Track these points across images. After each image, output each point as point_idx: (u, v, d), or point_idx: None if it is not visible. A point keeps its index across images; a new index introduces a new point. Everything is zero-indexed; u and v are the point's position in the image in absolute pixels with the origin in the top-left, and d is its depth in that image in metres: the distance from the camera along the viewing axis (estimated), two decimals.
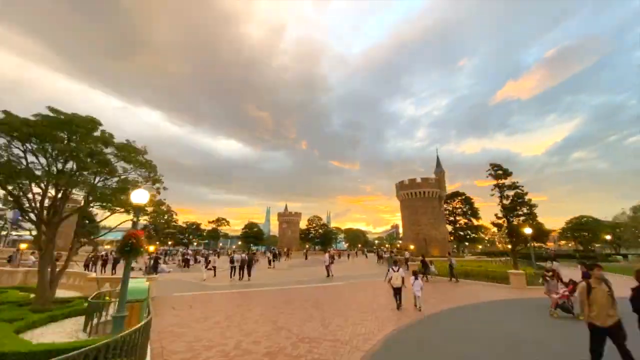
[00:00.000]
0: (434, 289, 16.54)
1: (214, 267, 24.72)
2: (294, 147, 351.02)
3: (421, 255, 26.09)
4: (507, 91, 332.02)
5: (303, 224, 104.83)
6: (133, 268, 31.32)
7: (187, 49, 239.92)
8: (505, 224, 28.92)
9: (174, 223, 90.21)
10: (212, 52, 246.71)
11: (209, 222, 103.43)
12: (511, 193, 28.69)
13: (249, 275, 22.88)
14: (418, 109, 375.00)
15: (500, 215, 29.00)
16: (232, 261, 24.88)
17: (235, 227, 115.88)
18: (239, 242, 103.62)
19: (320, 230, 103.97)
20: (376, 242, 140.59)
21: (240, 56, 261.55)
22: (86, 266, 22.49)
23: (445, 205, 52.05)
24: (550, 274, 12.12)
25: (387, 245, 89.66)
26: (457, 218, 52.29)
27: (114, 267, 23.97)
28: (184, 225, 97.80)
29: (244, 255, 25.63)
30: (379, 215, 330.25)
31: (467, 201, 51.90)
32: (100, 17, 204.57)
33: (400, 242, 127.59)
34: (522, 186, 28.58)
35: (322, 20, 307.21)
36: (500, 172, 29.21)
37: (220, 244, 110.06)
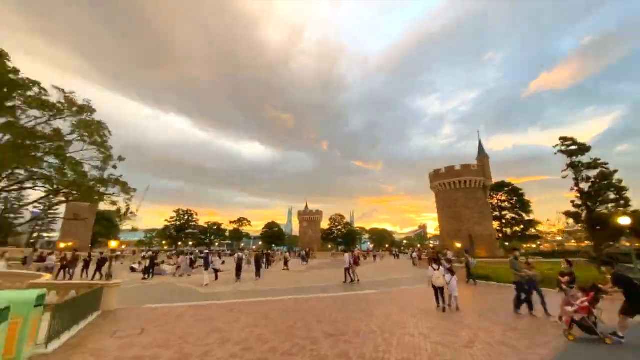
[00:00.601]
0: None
1: (216, 270, 20.51)
2: (315, 148, 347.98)
3: (464, 255, 20.23)
4: (540, 83, 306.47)
5: (325, 225, 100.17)
6: (134, 269, 28.11)
7: (210, 56, 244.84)
8: (583, 214, 22.24)
9: (193, 223, 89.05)
10: (233, 57, 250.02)
11: (231, 223, 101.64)
12: (592, 174, 21.96)
13: (258, 275, 20.62)
14: (443, 105, 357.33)
15: (578, 202, 22.33)
16: (238, 261, 20.91)
17: (258, 228, 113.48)
18: (260, 242, 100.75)
19: (343, 230, 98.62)
20: (404, 242, 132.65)
21: (260, 60, 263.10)
22: (62, 268, 18.99)
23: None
24: (566, 278, 9.03)
25: (418, 246, 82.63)
26: (504, 213, 44.92)
27: (97, 271, 20.42)
28: (206, 226, 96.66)
29: (240, 254, 21.72)
30: (405, 216, 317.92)
31: (515, 192, 44.35)
32: (130, 32, 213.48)
33: (431, 242, 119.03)
34: (607, 163, 21.77)
35: (339, 20, 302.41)
36: (574, 147, 22.55)
37: (242, 245, 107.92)
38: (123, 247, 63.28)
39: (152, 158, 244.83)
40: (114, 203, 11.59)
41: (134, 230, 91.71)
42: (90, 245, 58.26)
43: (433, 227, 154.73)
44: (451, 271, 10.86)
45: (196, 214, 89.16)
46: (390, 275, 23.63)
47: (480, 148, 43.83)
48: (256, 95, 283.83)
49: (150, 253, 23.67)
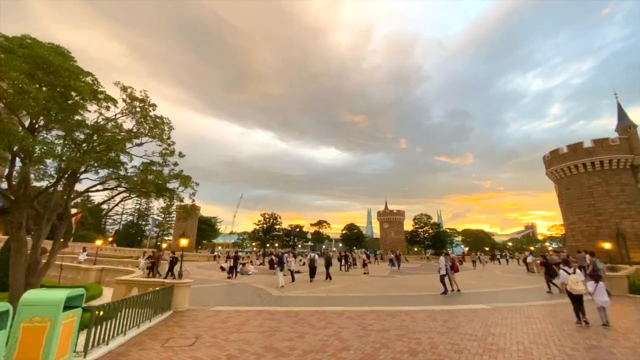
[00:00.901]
0: None
1: (292, 271, 19.46)
2: (392, 147, 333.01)
3: (590, 260, 13.76)
4: None
5: (408, 227, 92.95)
6: (224, 269, 29.87)
7: (284, 71, 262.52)
8: None
9: (278, 226, 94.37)
10: (305, 68, 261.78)
11: (311, 225, 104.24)
12: None
13: (329, 277, 19.74)
14: (547, 81, 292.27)
15: None
16: (310, 262, 19.60)
17: (338, 230, 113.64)
18: (340, 245, 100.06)
19: (430, 231, 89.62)
20: (509, 244, 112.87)
21: (330, 66, 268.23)
22: (151, 267, 20.96)
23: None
24: None
25: (531, 248, 68.25)
26: None
27: (169, 271, 21.83)
28: (289, 228, 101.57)
29: (312, 254, 20.18)
30: (504, 215, 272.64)
31: None
32: (218, 62, 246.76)
33: (548, 243, 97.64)
34: None
35: (410, 8, 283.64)
36: None
37: (324, 246, 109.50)
38: (219, 248, 71.27)
39: (244, 170, 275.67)
40: (181, 200, 11.03)
41: (232, 233, 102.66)
42: (195, 247, 67.02)
43: (544, 227, 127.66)
44: (595, 277, 8.60)
45: (279, 217, 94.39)
46: (500, 285, 18.50)
47: (621, 115, 32.02)
48: (328, 102, 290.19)
49: (233, 253, 24.39)
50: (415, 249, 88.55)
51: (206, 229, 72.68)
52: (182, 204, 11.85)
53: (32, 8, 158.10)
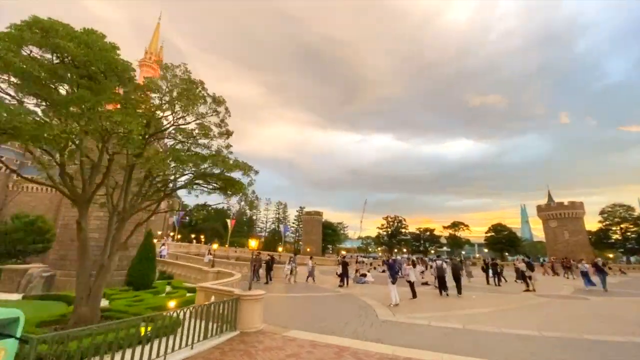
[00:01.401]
0: None
1: (411, 284, 14.71)
2: (546, 125, 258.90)
3: None
4: None
5: (591, 224, 66.68)
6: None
7: (396, 70, 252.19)
8: None
9: (404, 230, 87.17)
10: (418, 61, 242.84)
11: (445, 228, 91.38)
12: None
13: (443, 291, 15.24)
14: None
15: None
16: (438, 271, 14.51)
17: (480, 233, 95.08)
18: (485, 250, 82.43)
19: (633, 228, 61.28)
20: None
21: (447, 50, 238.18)
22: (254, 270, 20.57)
23: None
24: None
25: None
26: None
27: (267, 274, 20.66)
28: (417, 232, 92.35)
29: (439, 262, 14.50)
30: None
31: None
32: (331, 78, 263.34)
33: None
34: None
35: None
36: None
37: (463, 252, 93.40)
38: (343, 252, 71.42)
39: (366, 176, 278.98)
40: (245, 194, 9.04)
41: (360, 238, 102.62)
42: (322, 251, 69.46)
43: None
44: None
45: (404, 220, 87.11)
46: None
47: None
48: (451, 89, 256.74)
49: (342, 258, 21.62)
50: (611, 256, 62.08)
51: (330, 234, 74.60)
52: (250, 195, 9.94)
53: (195, 69, 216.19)
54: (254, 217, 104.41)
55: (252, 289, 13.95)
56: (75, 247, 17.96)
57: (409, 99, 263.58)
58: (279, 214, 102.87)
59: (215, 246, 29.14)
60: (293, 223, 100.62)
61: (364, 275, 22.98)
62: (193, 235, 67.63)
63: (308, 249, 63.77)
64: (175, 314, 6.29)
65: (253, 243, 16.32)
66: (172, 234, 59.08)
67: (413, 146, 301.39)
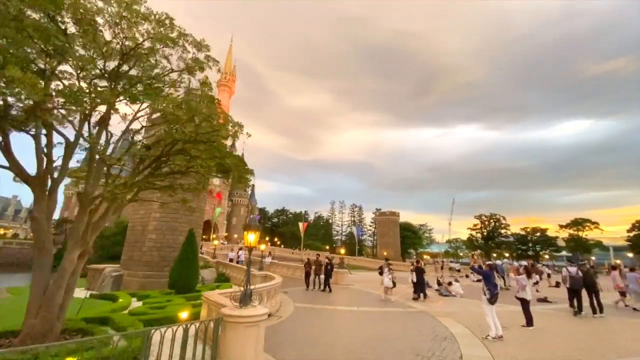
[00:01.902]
0: None
1: (523, 302, 9.51)
2: None
3: None
4: None
5: None
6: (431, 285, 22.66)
7: (477, 51, 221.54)
8: None
9: (504, 230, 72.64)
10: (504, 36, 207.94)
11: (562, 228, 72.98)
12: None
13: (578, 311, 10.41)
14: None
15: None
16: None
17: (613, 234, 72.59)
18: (630, 254, 61.75)
19: None
20: None
21: (544, 15, 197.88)
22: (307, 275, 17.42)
23: None
24: None
25: None
26: None
27: (326, 280, 16.91)
28: (523, 233, 75.94)
29: (572, 268, 9.28)
30: None
31: None
32: (401, 74, 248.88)
33: None
34: None
35: None
36: None
37: (593, 258, 72.24)
38: (426, 257, 62.93)
39: (451, 173, 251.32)
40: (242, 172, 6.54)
41: (450, 242, 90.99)
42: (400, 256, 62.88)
43: None
44: None
45: (503, 219, 72.66)
46: None
47: None
48: (558, 59, 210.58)
49: (416, 263, 16.82)
50: None
51: (410, 237, 67.22)
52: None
53: (268, 85, 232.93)
54: (330, 221, 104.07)
55: (277, 304, 11.19)
56: (139, 248, 18.77)
57: (496, 81, 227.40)
58: (353, 216, 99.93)
59: (262, 247, 27.71)
60: (370, 226, 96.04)
61: (450, 284, 17.79)
62: (267, 238, 70.41)
63: (385, 253, 58.41)
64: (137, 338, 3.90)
65: (251, 237, 13.87)
66: None
67: (508, 134, 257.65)
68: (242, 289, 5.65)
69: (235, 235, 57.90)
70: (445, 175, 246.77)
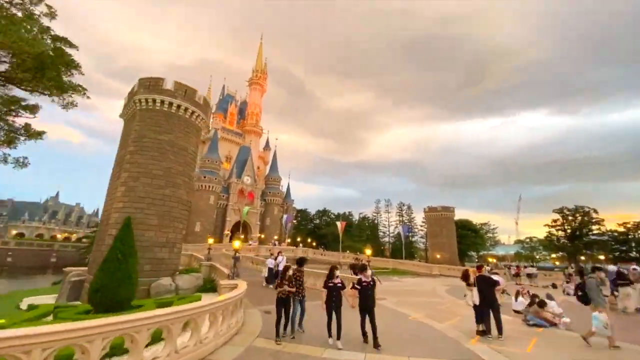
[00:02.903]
0: None
1: None
2: None
3: None
4: None
5: None
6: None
7: (535, 28, 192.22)
8: None
9: (595, 227, 57.49)
10: (571, 4, 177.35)
11: None
12: None
13: None
14: None
15: None
16: None
17: None
18: None
19: None
20: None
21: None
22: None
23: None
24: None
25: None
26: None
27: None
28: (623, 230, 59.50)
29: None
30: None
31: None
32: (446, 64, 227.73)
33: None
34: None
35: None
36: None
37: None
38: (492, 260, 51.74)
39: (515, 166, 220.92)
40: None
41: (518, 242, 76.46)
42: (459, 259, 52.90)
43: None
44: None
45: (595, 212, 57.61)
46: None
47: None
48: (636, 30, 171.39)
49: (477, 271, 9.56)
50: None
51: (469, 237, 56.59)
52: None
53: (309, 90, 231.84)
54: (376, 222, 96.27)
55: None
56: (99, 247, 15.37)
57: (563, 59, 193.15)
58: (401, 216, 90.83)
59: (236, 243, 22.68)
60: (421, 226, 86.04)
61: (542, 304, 10.44)
62: (309, 240, 65.93)
63: (438, 256, 49.40)
64: None
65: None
66: (288, 239, 58.63)
67: (583, 119, 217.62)
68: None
69: (272, 238, 54.98)
70: (509, 170, 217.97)
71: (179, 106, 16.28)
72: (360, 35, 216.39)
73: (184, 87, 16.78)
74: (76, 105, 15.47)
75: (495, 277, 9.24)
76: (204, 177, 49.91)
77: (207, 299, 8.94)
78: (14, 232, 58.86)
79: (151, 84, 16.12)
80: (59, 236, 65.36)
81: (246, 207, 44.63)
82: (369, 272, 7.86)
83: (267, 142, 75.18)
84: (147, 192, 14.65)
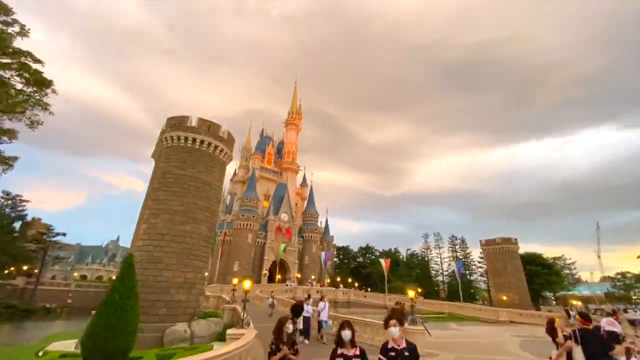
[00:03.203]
0: None
1: None
2: None
3: None
4: None
5: None
6: None
7: (584, 39, 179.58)
8: None
9: None
10: (624, 5, 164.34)
11: None
12: None
13: None
14: None
15: None
16: None
17: None
18: None
19: None
20: None
21: None
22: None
23: None
24: None
25: None
26: None
27: None
28: None
29: None
30: None
31: None
32: (489, 86, 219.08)
33: None
34: None
35: None
36: None
37: None
38: (577, 303, 41.58)
39: (584, 190, 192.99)
40: None
41: (606, 279, 62.83)
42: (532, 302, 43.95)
43: None
44: None
45: None
46: None
47: None
48: None
49: (582, 321, 6.06)
50: None
51: (543, 274, 47.40)
52: None
53: (345, 127, 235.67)
54: (427, 259, 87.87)
55: None
56: None
57: (625, 66, 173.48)
58: (454, 251, 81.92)
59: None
60: (479, 262, 76.18)
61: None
62: (351, 280, 61.25)
63: (504, 298, 41.64)
64: None
65: (247, 284, 6.70)
66: (327, 279, 55.10)
67: None
68: None
69: (310, 278, 52.12)
70: (579, 195, 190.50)
71: (202, 141, 16.34)
72: (393, 69, 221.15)
73: (208, 123, 16.97)
74: (41, 124, 15.86)
75: (610, 328, 6.11)
76: (242, 215, 50.61)
77: (218, 349, 7.23)
78: (77, 274, 64.36)
79: (176, 122, 16.57)
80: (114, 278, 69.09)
81: (282, 245, 43.36)
82: (409, 319, 5.49)
83: (304, 179, 75.80)
84: (167, 229, 14.16)
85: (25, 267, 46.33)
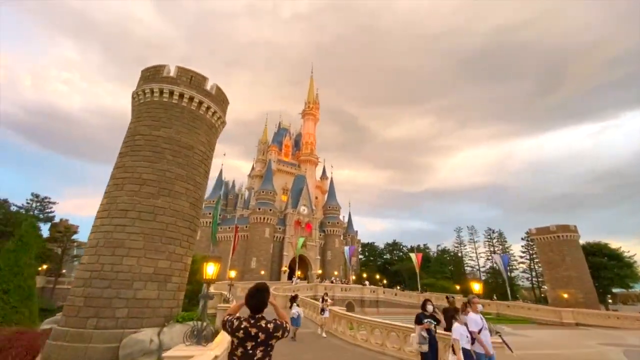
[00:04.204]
0: None
1: None
2: None
3: None
4: None
5: None
6: None
7: (618, 17, 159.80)
8: None
9: None
10: None
11: None
12: None
13: None
14: None
15: None
16: None
17: None
18: None
19: None
20: None
21: None
22: None
23: None
24: None
25: None
26: None
27: None
28: None
29: None
30: None
31: None
32: (515, 72, 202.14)
33: None
34: None
35: None
36: None
37: None
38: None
39: (630, 178, 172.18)
40: None
41: None
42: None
43: None
44: None
45: None
46: None
47: None
48: None
49: None
50: None
51: (609, 267, 39.96)
52: None
53: (363, 124, 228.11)
54: (460, 254, 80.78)
55: None
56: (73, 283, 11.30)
57: None
58: (492, 245, 74.40)
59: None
60: (521, 257, 68.25)
61: None
62: (378, 277, 56.36)
63: (565, 295, 34.96)
64: None
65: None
66: (353, 277, 50.51)
67: None
68: None
69: (334, 274, 47.80)
70: (623, 184, 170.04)
71: (181, 95, 12.75)
72: (408, 61, 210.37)
73: (190, 73, 13.38)
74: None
75: None
76: (259, 209, 47.49)
77: None
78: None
79: (151, 74, 13.14)
80: None
81: (301, 238, 39.53)
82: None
83: (324, 171, 71.66)
84: (132, 203, 10.64)
85: (45, 266, 46.48)
